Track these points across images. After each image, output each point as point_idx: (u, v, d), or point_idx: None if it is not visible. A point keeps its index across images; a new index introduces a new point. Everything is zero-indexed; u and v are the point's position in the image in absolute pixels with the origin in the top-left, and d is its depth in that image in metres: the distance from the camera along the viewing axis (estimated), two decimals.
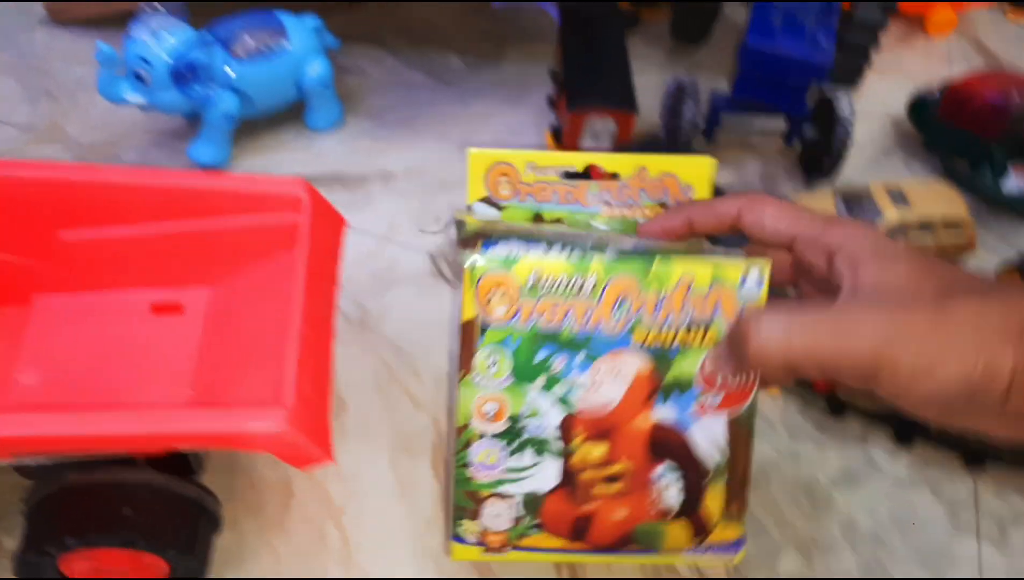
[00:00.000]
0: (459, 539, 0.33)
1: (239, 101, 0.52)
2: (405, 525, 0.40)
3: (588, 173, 0.55)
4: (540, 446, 0.32)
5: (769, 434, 0.45)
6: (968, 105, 0.55)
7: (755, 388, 0.32)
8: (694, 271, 0.30)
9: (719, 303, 0.30)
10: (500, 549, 0.33)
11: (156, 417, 0.26)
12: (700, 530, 0.34)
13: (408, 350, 0.47)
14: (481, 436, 0.32)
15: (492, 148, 0.33)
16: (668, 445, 0.32)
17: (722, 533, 0.34)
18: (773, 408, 0.46)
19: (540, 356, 0.31)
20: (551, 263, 0.30)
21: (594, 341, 0.31)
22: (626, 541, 0.33)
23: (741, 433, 0.33)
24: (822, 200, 0.52)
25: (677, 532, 0.33)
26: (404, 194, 0.55)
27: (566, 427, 0.32)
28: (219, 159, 0.54)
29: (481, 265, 0.30)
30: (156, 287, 0.36)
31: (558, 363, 0.31)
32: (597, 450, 0.32)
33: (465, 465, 0.32)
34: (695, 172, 0.33)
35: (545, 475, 0.32)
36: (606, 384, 0.32)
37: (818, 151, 0.56)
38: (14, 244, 0.35)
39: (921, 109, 0.59)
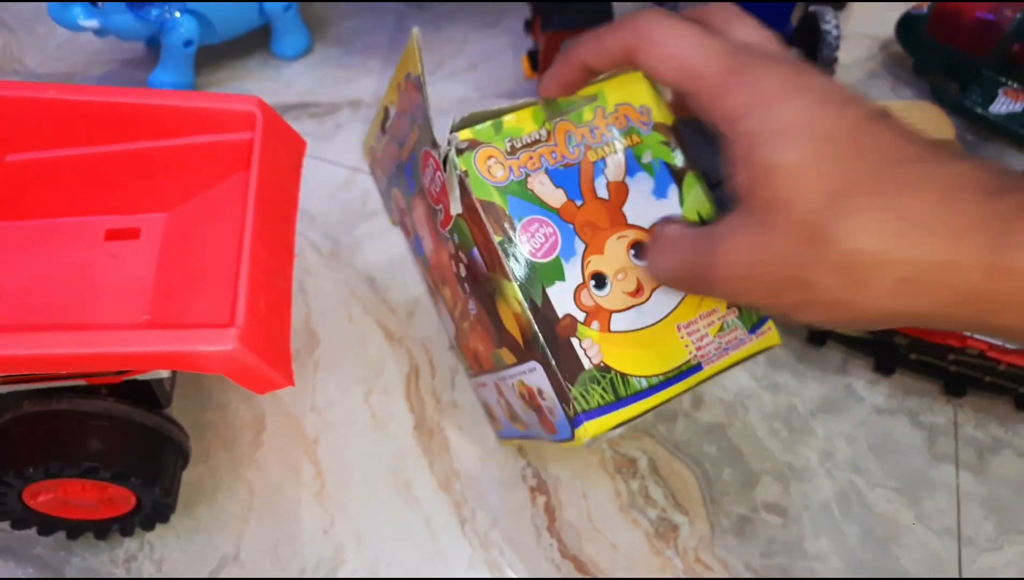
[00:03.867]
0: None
1: (198, 25, 0.50)
2: (380, 457, 0.40)
3: None
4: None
5: (748, 363, 0.44)
6: (958, 21, 0.54)
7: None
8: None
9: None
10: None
11: (107, 337, 0.25)
12: None
13: (381, 282, 0.46)
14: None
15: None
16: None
17: None
18: None
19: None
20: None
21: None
22: None
23: None
24: None
25: None
26: None
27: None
28: (181, 87, 0.52)
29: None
30: (110, 214, 0.35)
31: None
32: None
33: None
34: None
35: None
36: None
37: None
38: None
39: (909, 26, 0.57)
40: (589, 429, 0.29)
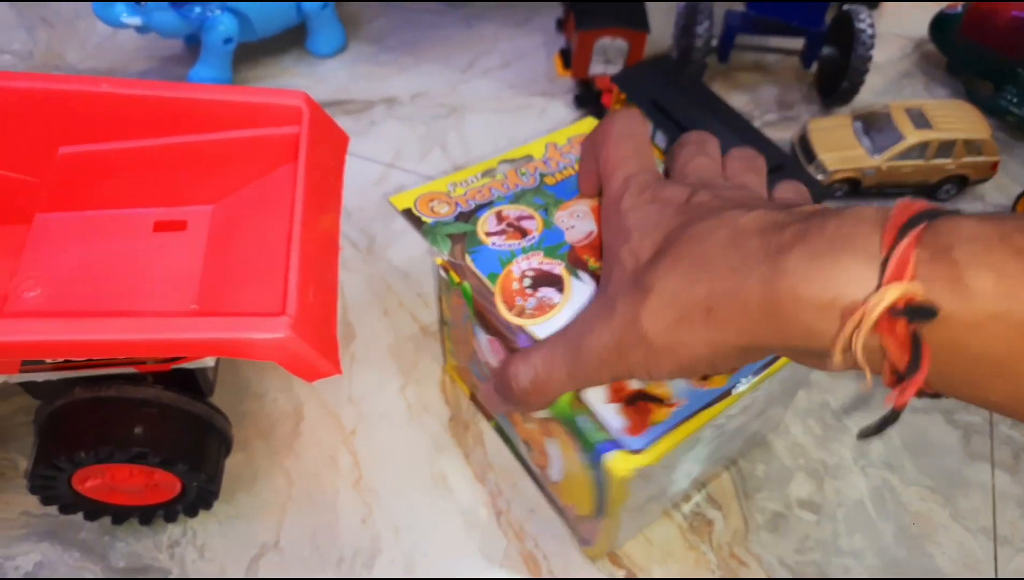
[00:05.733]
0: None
1: (238, 23, 0.50)
2: (416, 449, 0.40)
3: (599, 95, 0.53)
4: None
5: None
6: (992, 21, 0.53)
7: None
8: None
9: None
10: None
11: (162, 324, 0.26)
12: None
13: (415, 277, 0.47)
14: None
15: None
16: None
17: None
18: None
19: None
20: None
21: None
22: None
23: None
24: (839, 123, 0.51)
25: None
26: (409, 120, 0.54)
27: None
28: (220, 83, 0.53)
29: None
30: (158, 206, 0.36)
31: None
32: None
33: None
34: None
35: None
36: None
37: (836, 72, 0.54)
38: (13, 160, 0.34)
39: (943, 27, 0.57)
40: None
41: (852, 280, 0.20)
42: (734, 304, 0.23)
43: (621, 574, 0.37)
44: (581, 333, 0.26)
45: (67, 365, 0.31)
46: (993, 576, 0.38)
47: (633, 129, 0.31)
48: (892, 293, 0.20)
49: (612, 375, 0.26)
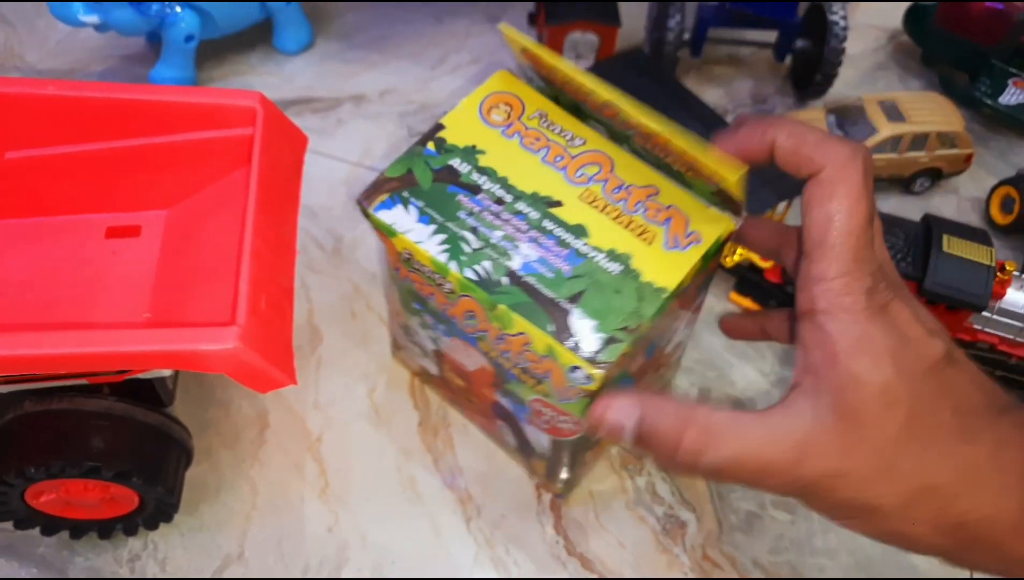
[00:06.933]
0: None
1: (200, 19, 0.49)
2: (384, 455, 0.39)
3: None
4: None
5: (757, 360, 0.44)
6: (967, 11, 0.53)
7: (579, 434, 0.32)
8: (533, 334, 0.28)
9: (550, 373, 0.29)
10: None
11: (108, 337, 0.25)
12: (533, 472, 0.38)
13: (384, 278, 0.46)
14: None
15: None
16: (505, 416, 0.36)
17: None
18: None
19: (416, 306, 0.34)
20: (418, 250, 0.29)
21: (453, 325, 0.32)
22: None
23: (564, 446, 0.34)
24: (813, 117, 0.50)
25: None
26: (378, 118, 0.53)
27: (438, 356, 0.36)
28: (182, 83, 0.52)
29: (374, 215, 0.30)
30: (111, 211, 0.35)
31: (428, 318, 0.34)
32: (458, 381, 0.37)
33: None
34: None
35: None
36: (461, 354, 0.34)
37: (809, 64, 0.53)
38: None
39: (918, 17, 0.56)
40: None
41: None
42: (981, 527, 0.24)
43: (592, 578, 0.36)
44: (803, 442, 0.24)
45: (17, 378, 0.30)
46: (968, 573, 0.37)
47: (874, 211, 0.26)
48: None
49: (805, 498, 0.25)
